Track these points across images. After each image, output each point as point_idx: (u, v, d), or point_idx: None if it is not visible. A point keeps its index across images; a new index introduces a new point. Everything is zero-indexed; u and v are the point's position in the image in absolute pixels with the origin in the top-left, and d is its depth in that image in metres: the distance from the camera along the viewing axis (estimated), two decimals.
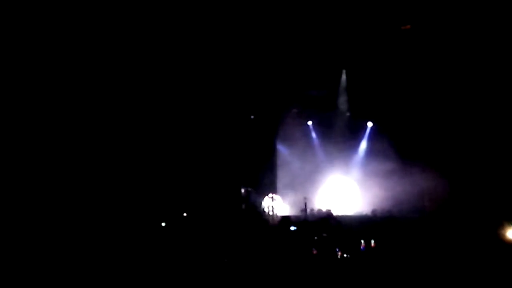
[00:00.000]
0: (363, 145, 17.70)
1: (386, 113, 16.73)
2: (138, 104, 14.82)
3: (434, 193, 15.01)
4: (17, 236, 11.40)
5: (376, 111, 17.08)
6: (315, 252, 11.85)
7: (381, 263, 11.34)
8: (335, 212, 15.48)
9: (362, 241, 11.90)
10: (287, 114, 17.84)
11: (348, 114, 17.96)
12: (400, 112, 16.31)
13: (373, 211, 15.18)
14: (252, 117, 17.34)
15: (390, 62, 15.80)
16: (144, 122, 14.94)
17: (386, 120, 16.87)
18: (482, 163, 14.31)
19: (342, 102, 17.87)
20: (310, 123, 18.27)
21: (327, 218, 14.65)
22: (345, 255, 11.68)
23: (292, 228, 13.90)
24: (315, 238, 12.60)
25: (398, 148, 16.34)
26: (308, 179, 17.22)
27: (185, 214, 14.89)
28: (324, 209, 15.66)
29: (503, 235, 11.77)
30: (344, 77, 17.47)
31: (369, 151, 17.46)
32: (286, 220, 15.52)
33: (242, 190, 16.52)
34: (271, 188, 17.08)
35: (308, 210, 15.71)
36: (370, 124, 17.63)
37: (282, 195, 16.94)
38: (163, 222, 14.07)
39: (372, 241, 11.90)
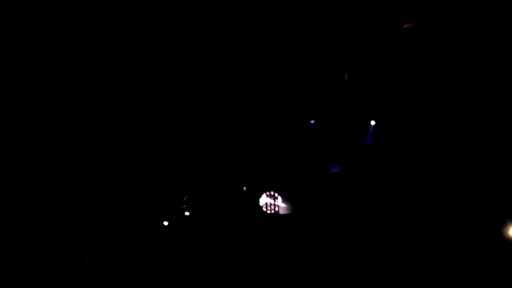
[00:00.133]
0: (365, 143, 17.70)
1: (389, 113, 16.75)
2: (137, 104, 14.85)
3: (434, 191, 15.03)
4: (17, 236, 11.42)
5: (378, 110, 17.10)
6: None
7: (379, 261, 11.37)
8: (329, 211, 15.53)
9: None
10: (287, 113, 17.80)
11: (349, 112, 17.94)
12: (402, 112, 16.34)
13: (369, 212, 15.14)
14: (253, 116, 17.33)
15: (392, 61, 15.83)
16: (141, 120, 14.97)
17: (389, 120, 16.89)
18: (483, 160, 14.35)
19: (345, 100, 17.84)
20: (312, 121, 18.26)
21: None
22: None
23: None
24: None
25: (400, 147, 16.35)
26: (308, 178, 17.18)
27: (187, 213, 14.92)
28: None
29: (506, 233, 11.78)
30: (346, 76, 17.47)
31: (371, 150, 17.47)
32: (287, 218, 15.58)
33: (244, 188, 16.54)
34: (271, 186, 17.09)
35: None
36: (372, 123, 17.64)
37: (284, 194, 16.94)
38: (165, 221, 14.11)
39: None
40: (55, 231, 12.13)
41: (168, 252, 11.99)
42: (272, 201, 16.44)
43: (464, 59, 14.71)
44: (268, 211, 16.25)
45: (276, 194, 16.50)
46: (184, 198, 15.13)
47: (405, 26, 14.98)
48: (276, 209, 16.38)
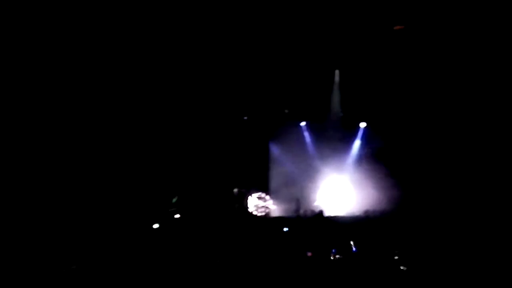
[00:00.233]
0: (356, 145, 17.71)
1: (379, 114, 16.76)
2: (134, 104, 14.84)
3: (428, 193, 15.03)
4: (16, 235, 11.43)
5: (369, 111, 17.11)
6: (309, 254, 11.87)
7: (373, 264, 11.34)
8: (327, 213, 15.54)
9: (352, 243, 11.92)
10: (280, 115, 17.82)
11: (341, 114, 17.96)
12: (393, 113, 16.36)
13: (365, 212, 15.18)
14: (245, 118, 17.33)
15: (383, 63, 15.85)
16: (138, 122, 14.95)
17: (379, 121, 16.90)
18: (478, 162, 14.37)
19: (335, 102, 17.85)
20: (303, 123, 18.27)
21: (319, 218, 14.73)
22: (337, 256, 11.70)
23: (285, 229, 13.92)
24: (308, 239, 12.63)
25: (391, 148, 16.36)
26: (301, 180, 17.22)
27: (177, 216, 14.89)
28: (316, 210, 15.71)
29: None
30: (337, 77, 17.48)
31: (362, 152, 17.49)
32: (278, 220, 15.56)
33: (235, 190, 16.53)
34: (264, 188, 17.09)
35: (301, 211, 15.74)
36: (363, 125, 17.65)
37: (275, 196, 16.96)
38: (155, 223, 14.07)
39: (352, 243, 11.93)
40: (53, 230, 12.16)
41: (158, 254, 11.96)
42: (262, 203, 16.43)
43: (455, 60, 14.71)
44: (258, 214, 16.27)
45: (266, 196, 16.54)
46: (174, 200, 15.12)
47: (396, 28, 15.01)
48: (267, 210, 16.38)
